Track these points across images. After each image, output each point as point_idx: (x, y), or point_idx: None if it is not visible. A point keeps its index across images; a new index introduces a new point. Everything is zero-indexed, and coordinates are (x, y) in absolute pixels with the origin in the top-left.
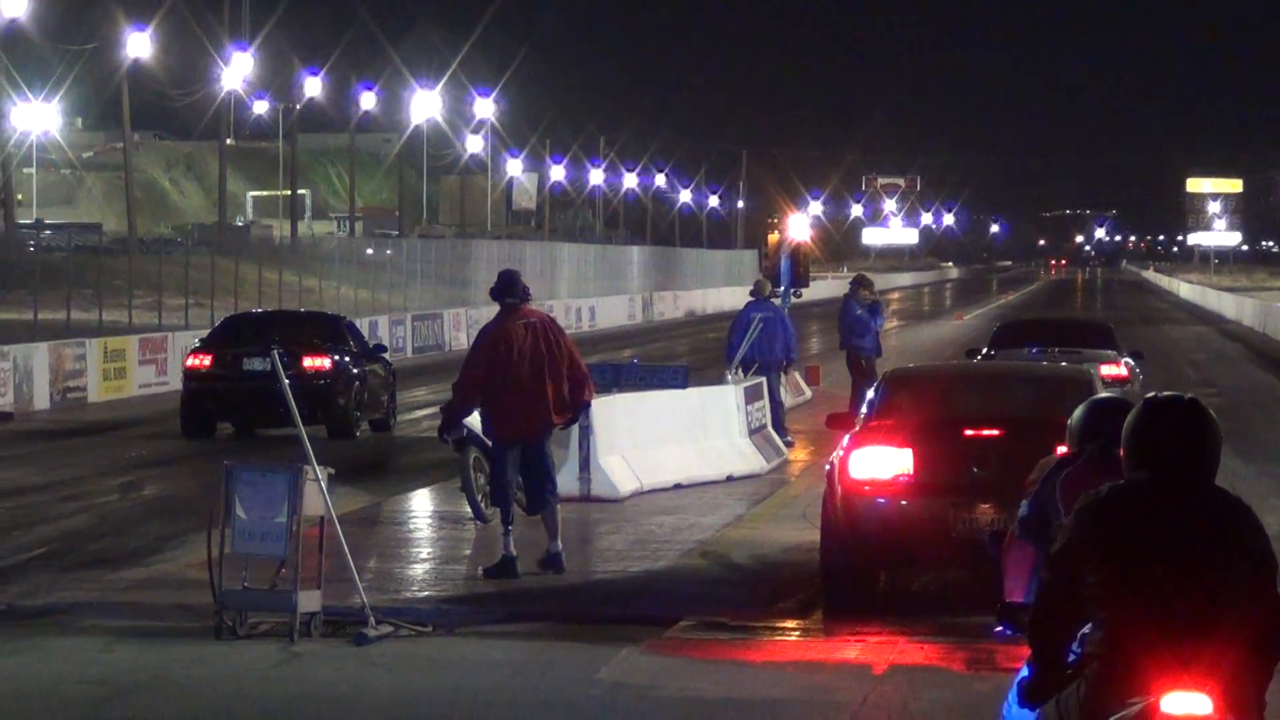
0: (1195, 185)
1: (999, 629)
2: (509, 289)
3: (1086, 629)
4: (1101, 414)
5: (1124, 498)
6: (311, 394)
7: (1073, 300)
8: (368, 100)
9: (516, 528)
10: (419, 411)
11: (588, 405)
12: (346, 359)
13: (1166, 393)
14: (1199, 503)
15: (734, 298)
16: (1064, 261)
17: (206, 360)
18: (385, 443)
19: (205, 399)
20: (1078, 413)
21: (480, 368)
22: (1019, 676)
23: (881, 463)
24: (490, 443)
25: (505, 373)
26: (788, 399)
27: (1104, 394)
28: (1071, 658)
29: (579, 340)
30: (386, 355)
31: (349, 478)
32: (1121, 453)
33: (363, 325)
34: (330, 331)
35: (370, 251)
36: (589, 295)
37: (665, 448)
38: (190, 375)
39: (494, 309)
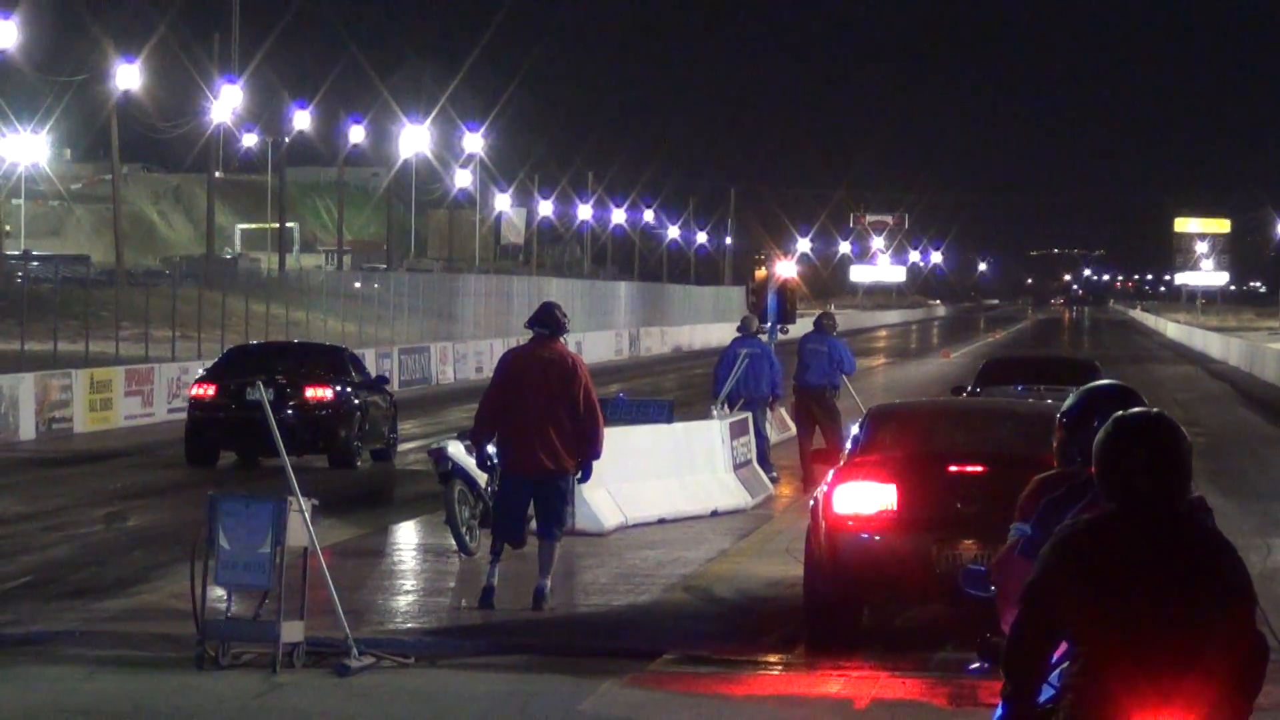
0: (1183, 225)
1: (976, 665)
2: (539, 320)
3: (1064, 664)
4: (1097, 400)
5: (1099, 530)
6: (314, 424)
7: (1059, 339)
8: (356, 134)
9: (504, 561)
10: (406, 445)
11: (594, 457)
12: (348, 390)
13: (1135, 411)
14: (1175, 535)
15: (721, 334)
16: (1062, 301)
17: (210, 390)
18: (383, 474)
19: (209, 428)
20: (1071, 399)
21: (489, 397)
22: (996, 715)
23: (865, 498)
24: (475, 476)
25: (513, 403)
26: (773, 435)
27: (1103, 380)
28: (1051, 691)
29: None
30: (389, 387)
31: (341, 508)
32: (1092, 470)
33: None
34: (333, 363)
35: (358, 285)
36: (576, 330)
37: (650, 482)
38: (195, 405)
39: (480, 343)
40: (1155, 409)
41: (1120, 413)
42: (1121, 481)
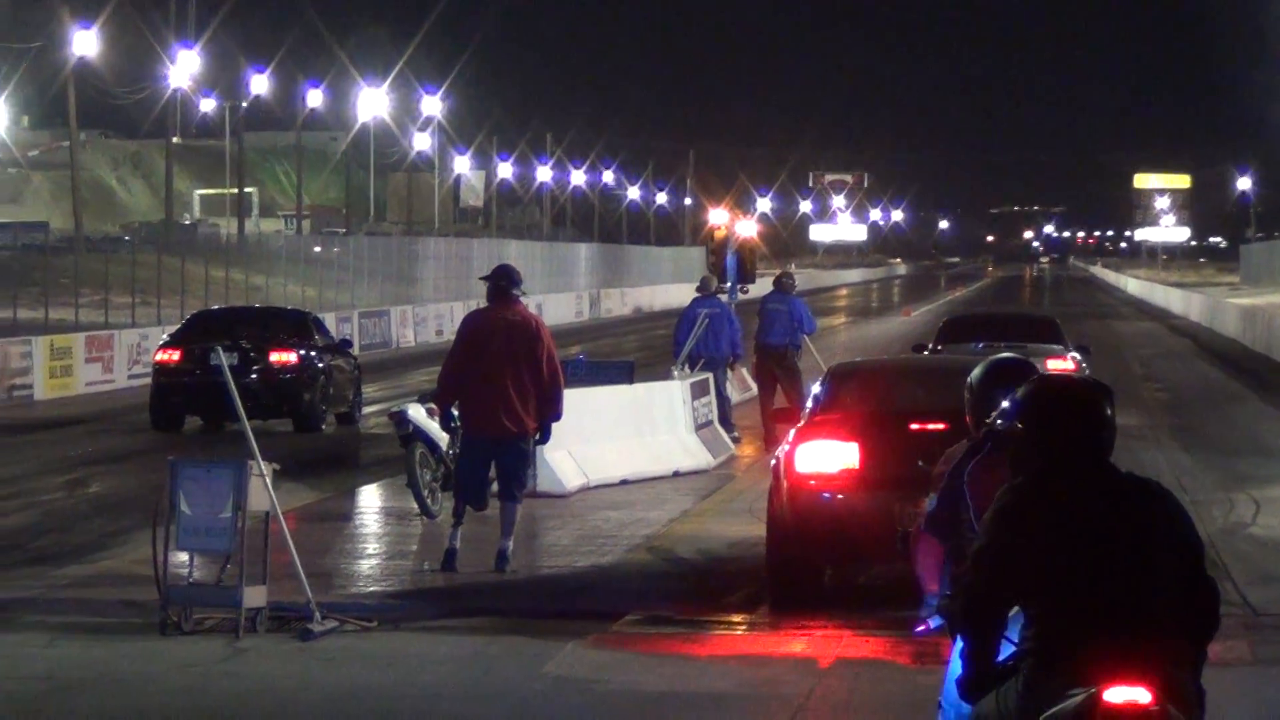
0: (1143, 181)
1: (920, 628)
2: (497, 281)
3: (1022, 622)
4: (1000, 373)
5: (1040, 491)
6: (278, 388)
7: (1020, 296)
8: (314, 98)
9: (467, 524)
10: (367, 408)
11: (554, 419)
12: (313, 354)
13: (1060, 375)
14: (1110, 489)
15: (681, 294)
16: (1048, 260)
17: (175, 355)
18: (347, 437)
19: (174, 393)
20: (976, 371)
21: (453, 360)
22: (952, 673)
23: (827, 457)
24: (436, 439)
25: (475, 365)
26: (734, 395)
27: (1005, 355)
28: (1011, 650)
29: None
30: (353, 350)
31: (305, 472)
32: (1018, 429)
33: None
34: (297, 327)
35: (318, 249)
36: (536, 292)
37: (612, 443)
38: (159, 370)
39: (440, 306)
40: (1077, 375)
41: (1043, 374)
42: (1052, 438)
